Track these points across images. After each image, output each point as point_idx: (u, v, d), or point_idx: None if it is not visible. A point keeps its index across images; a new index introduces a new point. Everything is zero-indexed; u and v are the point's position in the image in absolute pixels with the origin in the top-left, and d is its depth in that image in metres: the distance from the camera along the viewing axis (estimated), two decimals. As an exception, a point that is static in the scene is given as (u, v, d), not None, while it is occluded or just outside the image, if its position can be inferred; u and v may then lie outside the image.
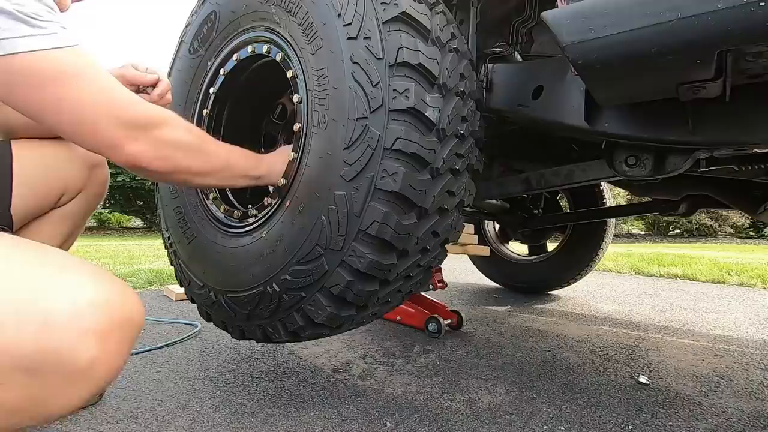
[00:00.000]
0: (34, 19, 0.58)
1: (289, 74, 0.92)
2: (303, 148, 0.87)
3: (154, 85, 0.92)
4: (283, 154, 0.92)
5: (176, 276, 1.19)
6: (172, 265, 1.21)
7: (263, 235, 0.91)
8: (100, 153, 0.66)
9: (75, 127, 0.63)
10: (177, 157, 0.72)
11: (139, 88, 0.91)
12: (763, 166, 1.05)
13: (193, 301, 1.15)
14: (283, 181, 0.89)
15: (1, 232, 0.55)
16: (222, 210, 1.05)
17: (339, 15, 0.82)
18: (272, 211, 0.92)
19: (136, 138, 0.65)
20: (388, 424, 0.95)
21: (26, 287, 0.49)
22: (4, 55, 0.55)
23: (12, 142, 0.86)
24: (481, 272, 2.89)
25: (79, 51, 0.62)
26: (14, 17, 0.56)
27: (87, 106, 0.61)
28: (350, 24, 0.80)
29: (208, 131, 1.06)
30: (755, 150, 0.88)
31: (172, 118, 0.72)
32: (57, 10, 0.63)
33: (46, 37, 0.58)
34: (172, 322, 1.80)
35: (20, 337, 0.46)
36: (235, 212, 1.03)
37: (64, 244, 0.97)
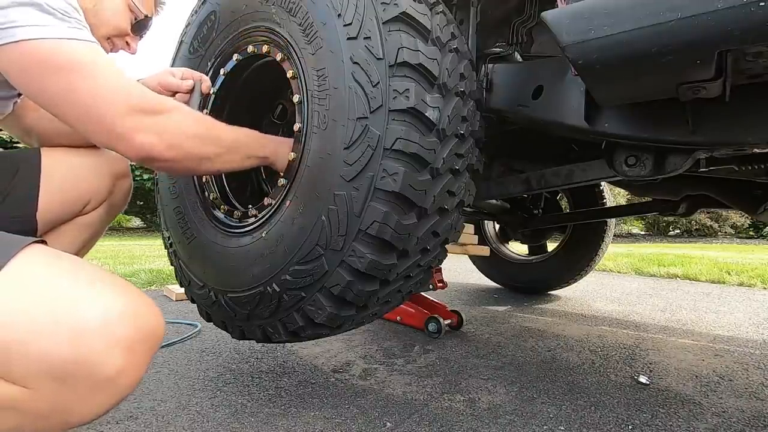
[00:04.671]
0: (61, 13, 0.61)
1: (289, 74, 0.92)
2: (303, 148, 0.87)
3: (190, 91, 0.92)
4: (287, 139, 0.92)
5: (176, 276, 1.19)
6: (172, 265, 1.21)
7: (263, 235, 0.91)
8: (109, 145, 0.67)
9: (86, 118, 0.64)
10: (187, 144, 0.72)
11: (175, 95, 0.91)
12: (763, 166, 1.05)
13: (193, 301, 1.15)
14: (287, 175, 0.89)
15: (39, 244, 0.56)
16: (222, 210, 1.05)
17: (339, 15, 0.82)
18: (272, 211, 0.92)
19: (146, 128, 0.66)
20: (388, 424, 0.95)
21: (62, 297, 0.50)
22: (26, 39, 0.58)
23: (42, 150, 0.88)
24: (481, 272, 2.89)
25: (95, 47, 0.65)
26: (42, 9, 0.60)
27: (99, 97, 0.63)
28: (350, 24, 0.80)
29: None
30: (755, 150, 0.88)
31: (179, 107, 0.73)
32: (81, 11, 0.66)
33: (68, 30, 0.61)
34: (172, 322, 1.80)
35: (55, 345, 0.47)
36: (235, 212, 1.03)
37: (82, 251, 0.98)
